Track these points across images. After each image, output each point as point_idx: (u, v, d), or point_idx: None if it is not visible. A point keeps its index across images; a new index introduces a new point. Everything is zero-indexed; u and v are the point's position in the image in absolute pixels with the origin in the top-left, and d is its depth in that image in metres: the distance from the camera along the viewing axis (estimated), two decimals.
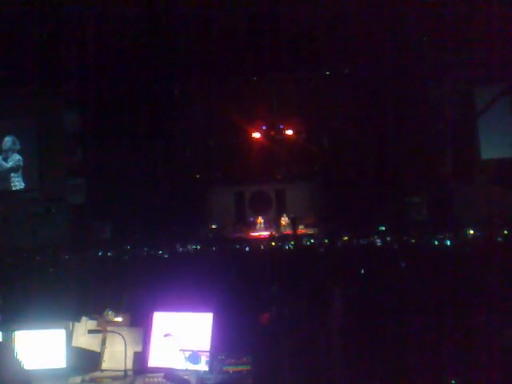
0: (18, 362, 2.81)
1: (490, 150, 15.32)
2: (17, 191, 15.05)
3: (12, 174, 15.41)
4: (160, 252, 9.65)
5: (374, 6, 12.76)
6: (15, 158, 15.41)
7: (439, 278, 6.24)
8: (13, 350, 2.84)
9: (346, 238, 12.14)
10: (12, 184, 15.39)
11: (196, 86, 16.25)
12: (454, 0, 12.35)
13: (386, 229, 13.47)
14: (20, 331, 3.76)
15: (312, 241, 13.03)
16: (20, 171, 15.40)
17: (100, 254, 9.42)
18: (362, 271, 7.50)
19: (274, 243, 11.27)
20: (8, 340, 3.56)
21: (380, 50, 14.02)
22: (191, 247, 11.69)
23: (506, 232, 7.94)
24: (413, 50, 14.15)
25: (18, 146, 15.31)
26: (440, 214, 14.34)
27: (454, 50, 14.21)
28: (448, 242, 9.46)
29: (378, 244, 11.18)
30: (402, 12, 12.81)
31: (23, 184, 15.33)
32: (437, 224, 13.20)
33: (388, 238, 12.01)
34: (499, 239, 8.67)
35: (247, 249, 10.90)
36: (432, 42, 13.98)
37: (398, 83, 14.63)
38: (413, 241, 10.14)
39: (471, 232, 10.55)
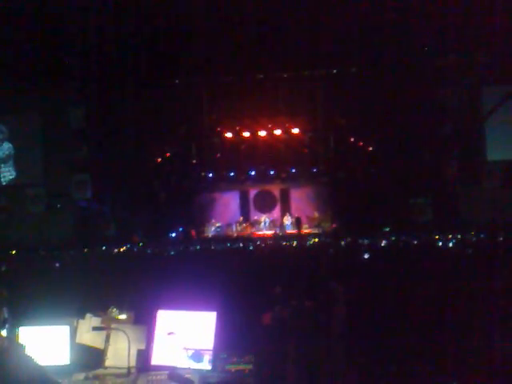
0: (31, 359, 2.81)
1: (497, 151, 15.27)
2: (20, 186, 14.91)
3: (2, 165, 14.86)
4: (164, 250, 9.70)
5: (382, 5, 12.74)
6: (4, 148, 14.80)
7: (440, 280, 6.24)
8: (22, 346, 2.84)
9: (349, 238, 12.19)
10: (1, 175, 14.84)
11: (203, 83, 16.30)
12: (461, 2, 12.29)
13: (391, 229, 13.49)
14: (24, 327, 3.79)
15: (316, 240, 13.07)
16: (11, 161, 14.80)
17: (104, 249, 9.47)
18: (366, 271, 7.52)
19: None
20: (13, 336, 3.58)
21: (387, 50, 13.99)
22: (195, 246, 11.75)
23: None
24: (420, 50, 14.11)
25: (5, 134, 14.59)
26: (445, 216, 14.31)
27: (462, 52, 14.17)
28: (451, 244, 9.45)
29: (383, 244, 11.21)
30: (408, 12, 12.78)
31: (14, 173, 14.78)
32: (441, 226, 13.18)
33: (393, 238, 12.04)
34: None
35: (251, 248, 10.94)
36: (439, 43, 13.94)
37: (404, 83, 14.59)
38: (415, 242, 10.13)
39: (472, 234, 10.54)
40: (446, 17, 12.79)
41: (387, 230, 13.53)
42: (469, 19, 12.58)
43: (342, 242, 11.92)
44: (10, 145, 15.01)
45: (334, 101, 15.93)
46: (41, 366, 2.84)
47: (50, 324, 3.90)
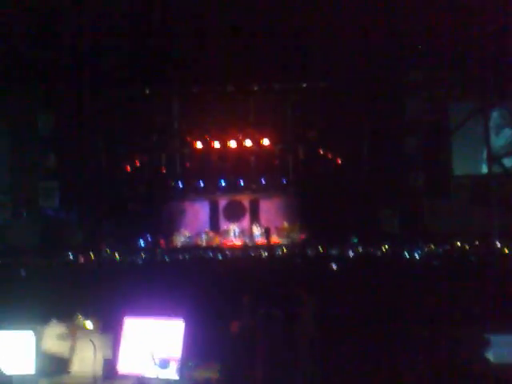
0: None
1: (463, 166, 15.69)
2: None
3: None
4: (133, 258, 9.60)
5: (354, 20, 13.02)
6: None
7: (406, 291, 6.36)
8: None
9: (319, 248, 12.33)
10: None
11: (174, 93, 16.31)
12: (434, 16, 12.67)
13: (358, 240, 13.69)
14: None
15: (284, 251, 13.17)
16: None
17: (71, 257, 9.31)
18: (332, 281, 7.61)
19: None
20: None
21: (357, 64, 14.29)
22: (163, 255, 11.66)
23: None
24: (390, 65, 14.45)
25: None
26: (411, 227, 14.60)
27: (431, 67, 14.57)
28: (417, 255, 9.65)
29: (350, 255, 11.37)
30: (378, 28, 13.10)
31: None
32: (407, 237, 13.44)
33: (360, 249, 12.24)
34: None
35: (220, 257, 10.92)
36: (409, 58, 14.31)
37: (373, 97, 14.92)
38: (379, 253, 10.29)
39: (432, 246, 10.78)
40: (415, 33, 13.17)
41: (355, 241, 13.72)
42: (437, 36, 12.98)
43: (311, 252, 12.04)
44: None
45: (304, 113, 16.24)
46: (6, 376, 2.76)
47: (14, 329, 3.82)
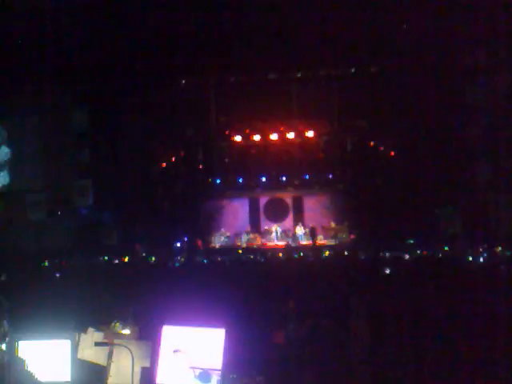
0: (31, 374, 2.86)
1: None
2: (19, 192, 14.95)
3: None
4: (169, 261, 9.77)
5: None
6: (2, 153, 14.49)
7: (468, 300, 6.22)
8: (22, 361, 2.89)
9: (369, 251, 12.21)
10: None
11: (211, 83, 16.43)
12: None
13: (415, 241, 13.45)
14: (24, 341, 3.82)
15: (332, 253, 13.11)
16: (6, 167, 14.60)
17: (106, 259, 9.55)
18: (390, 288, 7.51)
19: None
20: (13, 350, 3.65)
21: (410, 47, 13.98)
22: (201, 258, 11.82)
23: None
24: (449, 48, 14.06)
25: (3, 138, 14.28)
26: (474, 227, 14.20)
27: (494, 52, 14.09)
28: (481, 259, 9.41)
29: (406, 258, 11.23)
30: (438, 9, 12.78)
31: (8, 179, 14.58)
32: (471, 237, 13.10)
33: (417, 252, 12.05)
34: None
35: (262, 260, 10.97)
36: (471, 41, 13.89)
37: (430, 82, 14.56)
38: (439, 256, 10.09)
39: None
40: (475, 12, 12.79)
41: (411, 242, 13.50)
42: (500, 12, 12.57)
43: (361, 255, 11.95)
44: (8, 150, 15.09)
45: (353, 102, 15.97)
46: (41, 383, 2.89)
47: (51, 338, 3.96)
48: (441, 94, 14.52)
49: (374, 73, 15.67)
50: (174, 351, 3.81)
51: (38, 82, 13.70)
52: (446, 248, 12.09)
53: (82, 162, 14.67)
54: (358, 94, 15.64)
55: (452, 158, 14.57)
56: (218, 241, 16.01)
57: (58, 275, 7.77)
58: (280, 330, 5.50)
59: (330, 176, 16.76)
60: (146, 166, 15.66)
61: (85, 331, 4.09)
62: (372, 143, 16.28)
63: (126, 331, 4.10)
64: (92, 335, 4.09)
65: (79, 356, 4.02)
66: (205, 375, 3.70)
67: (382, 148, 16.23)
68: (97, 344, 3.97)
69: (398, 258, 11.46)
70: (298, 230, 16.15)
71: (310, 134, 16.59)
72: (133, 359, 3.84)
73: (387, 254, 11.82)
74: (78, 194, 14.48)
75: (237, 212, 17.09)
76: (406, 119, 14.98)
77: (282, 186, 16.98)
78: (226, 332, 3.75)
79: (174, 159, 16.58)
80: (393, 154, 16.10)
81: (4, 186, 14.85)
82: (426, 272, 9.00)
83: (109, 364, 4.01)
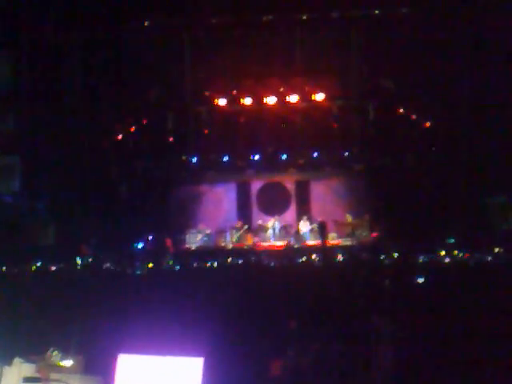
0: None
1: None
2: None
3: None
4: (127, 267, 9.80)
5: None
6: None
7: None
8: None
9: (396, 253, 12.31)
10: None
11: (184, 26, 16.33)
12: None
13: (457, 240, 13.59)
14: None
15: (347, 256, 13.21)
16: None
17: (39, 266, 9.52)
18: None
19: None
20: None
21: None
22: (171, 264, 11.84)
23: None
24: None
25: None
26: None
27: None
28: None
29: (446, 262, 11.36)
30: None
31: None
32: None
33: (459, 254, 12.19)
34: None
35: (255, 265, 11.02)
36: None
37: (478, 30, 14.61)
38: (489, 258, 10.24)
39: None
40: None
41: (452, 241, 13.63)
42: None
43: (386, 258, 12.04)
44: None
45: (375, 54, 15.98)
46: None
47: None
48: (491, 47, 14.54)
49: (405, 15, 15.65)
50: None
51: None
52: (498, 249, 12.19)
53: (5, 131, 14.59)
54: (384, 45, 15.65)
55: (506, 133, 14.68)
56: (195, 240, 16.05)
57: None
58: (278, 358, 5.58)
59: (346, 153, 16.80)
60: (95, 137, 15.54)
61: (9, 363, 4.05)
62: (401, 110, 16.32)
63: (67, 362, 4.09)
64: (19, 368, 4.05)
65: None
66: None
67: (413, 117, 16.27)
68: (26, 380, 3.88)
69: (435, 263, 11.56)
70: (303, 225, 16.21)
71: (319, 96, 16.58)
72: None
73: (421, 258, 11.92)
74: (0, 176, 14.44)
75: (220, 201, 17.14)
76: (447, 80, 15.01)
77: (282, 167, 17.01)
78: (205, 362, 3.78)
79: (133, 129, 16.52)
80: (428, 125, 16.16)
81: None
82: (472, 281, 9.13)
83: None
